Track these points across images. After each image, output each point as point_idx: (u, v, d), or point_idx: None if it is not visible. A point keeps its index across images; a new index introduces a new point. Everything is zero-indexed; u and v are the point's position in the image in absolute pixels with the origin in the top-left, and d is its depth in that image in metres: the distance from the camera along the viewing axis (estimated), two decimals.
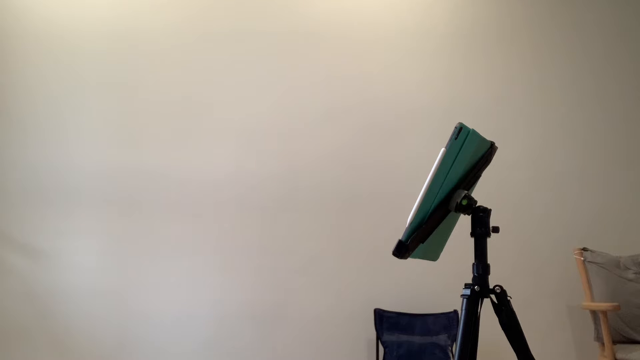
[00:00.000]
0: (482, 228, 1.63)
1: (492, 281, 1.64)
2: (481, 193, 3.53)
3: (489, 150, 1.75)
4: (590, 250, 3.24)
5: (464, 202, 1.59)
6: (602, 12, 3.74)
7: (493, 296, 1.64)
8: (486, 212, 1.63)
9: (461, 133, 1.55)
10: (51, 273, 3.38)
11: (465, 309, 1.60)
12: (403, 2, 3.69)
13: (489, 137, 3.57)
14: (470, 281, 1.68)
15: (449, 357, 3.11)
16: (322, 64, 3.62)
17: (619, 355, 2.85)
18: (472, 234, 1.64)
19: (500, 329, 1.62)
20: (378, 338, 3.26)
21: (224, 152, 3.52)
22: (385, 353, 3.17)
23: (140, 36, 3.60)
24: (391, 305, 3.42)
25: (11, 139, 3.49)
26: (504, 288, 1.62)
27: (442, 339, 3.19)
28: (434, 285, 3.44)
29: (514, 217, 3.53)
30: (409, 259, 3.47)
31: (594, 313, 3.15)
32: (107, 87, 3.55)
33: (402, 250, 1.52)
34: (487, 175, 3.54)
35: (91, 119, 3.52)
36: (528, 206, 3.55)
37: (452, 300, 3.43)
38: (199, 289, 3.40)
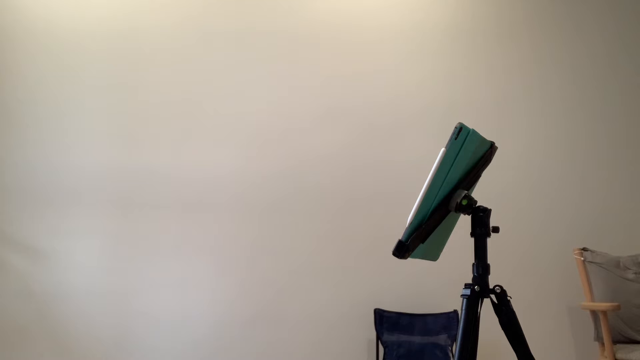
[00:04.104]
0: (482, 228, 1.63)
1: (492, 281, 1.65)
2: (481, 193, 3.53)
3: (489, 150, 1.75)
4: (590, 250, 3.24)
5: (464, 202, 1.59)
6: (603, 11, 3.74)
7: (493, 296, 1.64)
8: (486, 212, 1.63)
9: (461, 133, 1.55)
10: (51, 273, 3.38)
11: (465, 309, 1.60)
12: (403, 2, 3.69)
13: (489, 137, 3.57)
14: (470, 281, 1.68)
15: (449, 357, 3.11)
16: (322, 64, 3.62)
17: (619, 355, 2.85)
18: (472, 234, 1.64)
19: (500, 329, 1.62)
20: (378, 338, 3.26)
21: (223, 153, 3.52)
22: (385, 353, 3.17)
23: (141, 36, 3.60)
24: (391, 305, 3.42)
25: (11, 139, 3.49)
26: (504, 288, 1.62)
27: (442, 339, 3.19)
28: (434, 285, 3.44)
29: (514, 217, 3.53)
30: (409, 259, 3.47)
31: (594, 313, 3.15)
32: (107, 87, 3.55)
33: (402, 250, 1.52)
34: (487, 175, 3.54)
35: (91, 119, 3.53)
36: (528, 206, 3.55)
37: (452, 300, 3.43)
38: (199, 289, 3.40)
